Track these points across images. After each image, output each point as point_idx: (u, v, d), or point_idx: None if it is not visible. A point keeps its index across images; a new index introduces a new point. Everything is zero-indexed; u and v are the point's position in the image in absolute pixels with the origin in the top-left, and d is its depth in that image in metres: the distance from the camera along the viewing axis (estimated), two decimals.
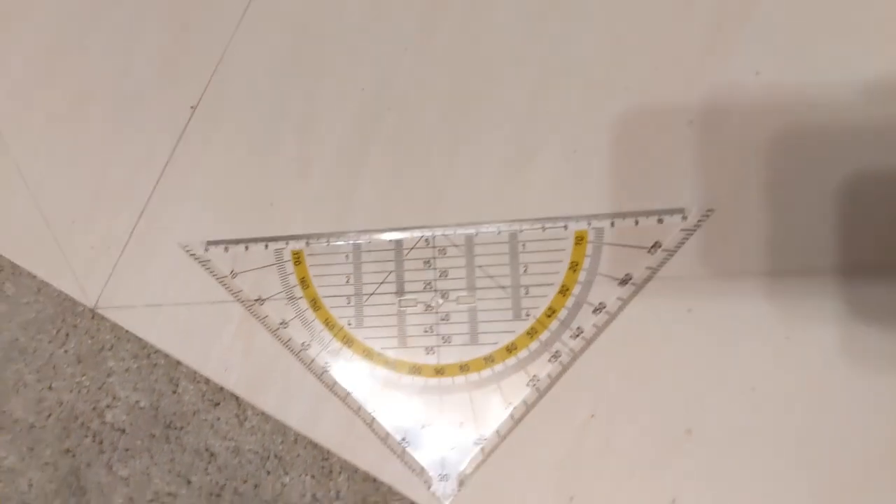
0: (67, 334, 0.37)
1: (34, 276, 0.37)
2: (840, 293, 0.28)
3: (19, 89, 0.38)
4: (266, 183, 0.33)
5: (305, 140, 0.33)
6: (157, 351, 0.35)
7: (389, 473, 0.31)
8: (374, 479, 0.32)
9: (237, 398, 0.34)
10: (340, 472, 0.33)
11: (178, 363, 0.35)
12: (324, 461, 0.34)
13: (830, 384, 0.28)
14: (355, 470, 0.33)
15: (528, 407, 0.30)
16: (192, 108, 0.34)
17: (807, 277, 0.28)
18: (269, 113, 0.34)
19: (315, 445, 0.33)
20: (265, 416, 0.34)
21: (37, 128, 0.37)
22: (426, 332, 0.31)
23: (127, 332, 0.35)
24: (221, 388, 0.34)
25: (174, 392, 0.35)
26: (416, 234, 0.32)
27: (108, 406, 0.36)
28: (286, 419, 0.33)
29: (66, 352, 0.37)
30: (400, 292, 0.32)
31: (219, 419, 0.35)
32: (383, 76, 0.33)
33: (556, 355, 0.30)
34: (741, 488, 0.28)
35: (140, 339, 0.35)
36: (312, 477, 0.34)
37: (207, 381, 0.35)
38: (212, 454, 0.35)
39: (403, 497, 0.31)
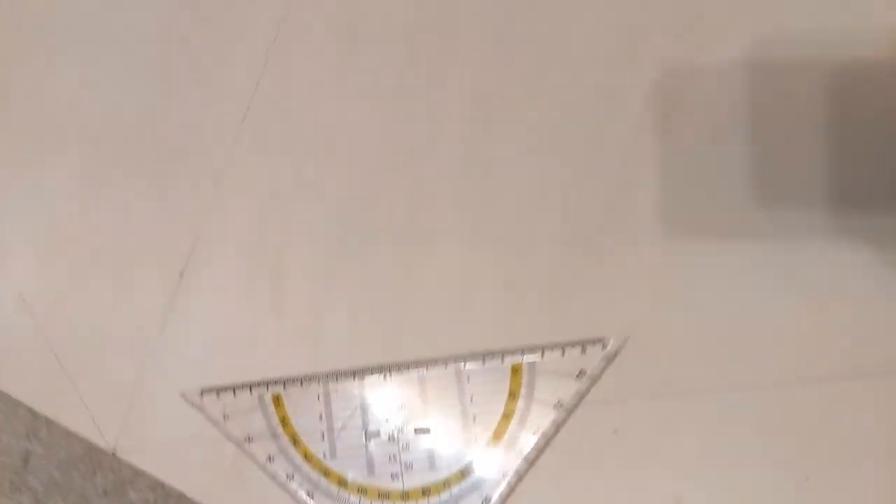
0: (94, 471, 0.43)
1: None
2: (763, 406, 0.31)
3: (41, 249, 0.43)
4: (247, 328, 0.38)
5: (278, 287, 0.38)
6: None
7: None
8: None
9: None
10: None
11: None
12: None
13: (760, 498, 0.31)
14: None
15: None
16: (180, 274, 0.40)
17: (726, 393, 0.31)
18: (247, 267, 0.39)
19: None
20: None
21: (57, 288, 0.43)
22: (390, 460, 0.35)
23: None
24: None
25: None
26: (376, 374, 0.36)
27: None
28: None
29: (94, 486, 0.43)
30: (365, 425, 0.36)
31: None
32: (344, 217, 0.38)
33: (504, 475, 0.34)
34: None
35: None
36: None
37: None
38: None
39: None
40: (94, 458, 0.43)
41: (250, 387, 0.38)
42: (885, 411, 0.30)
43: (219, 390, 0.38)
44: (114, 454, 0.41)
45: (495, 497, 0.34)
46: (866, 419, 0.30)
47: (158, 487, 0.41)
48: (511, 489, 0.34)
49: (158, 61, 0.41)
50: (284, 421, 0.37)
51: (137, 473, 0.42)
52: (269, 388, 0.37)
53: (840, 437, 0.30)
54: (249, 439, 0.37)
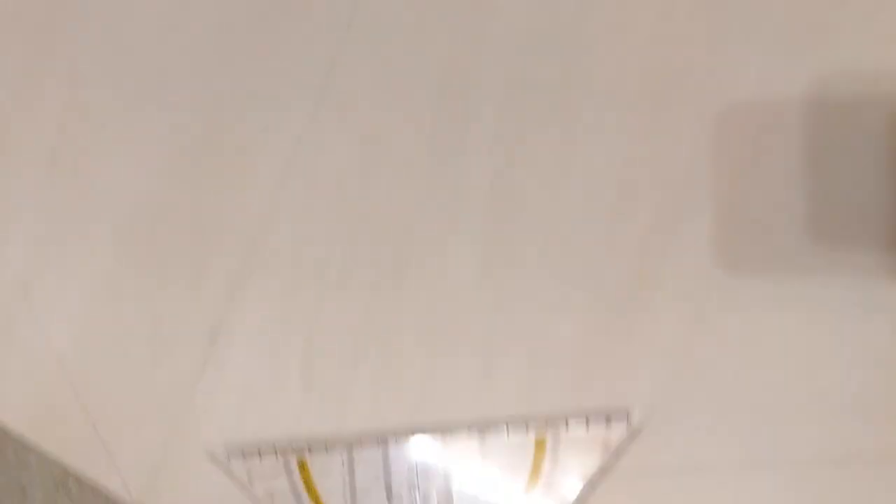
0: None
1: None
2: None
3: (81, 316, 0.44)
4: (276, 394, 0.39)
5: (307, 356, 0.39)
6: None
7: None
8: None
9: None
10: None
11: None
12: None
13: None
14: None
15: None
16: (210, 340, 0.40)
17: (755, 469, 0.31)
18: (279, 335, 0.40)
19: None
20: None
21: (95, 352, 0.44)
22: None
23: None
24: None
25: None
26: (401, 440, 0.36)
27: None
28: None
29: None
30: (389, 496, 0.36)
31: None
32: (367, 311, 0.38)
33: None
34: None
35: None
36: None
37: None
38: None
39: None
40: None
41: (276, 451, 0.38)
42: None
43: (245, 453, 0.39)
44: None
45: None
46: None
47: None
48: None
49: (194, 145, 0.41)
50: (309, 485, 0.37)
51: None
52: (294, 454, 0.38)
53: None
54: (274, 502, 0.38)
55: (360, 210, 0.38)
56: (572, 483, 0.33)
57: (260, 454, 0.38)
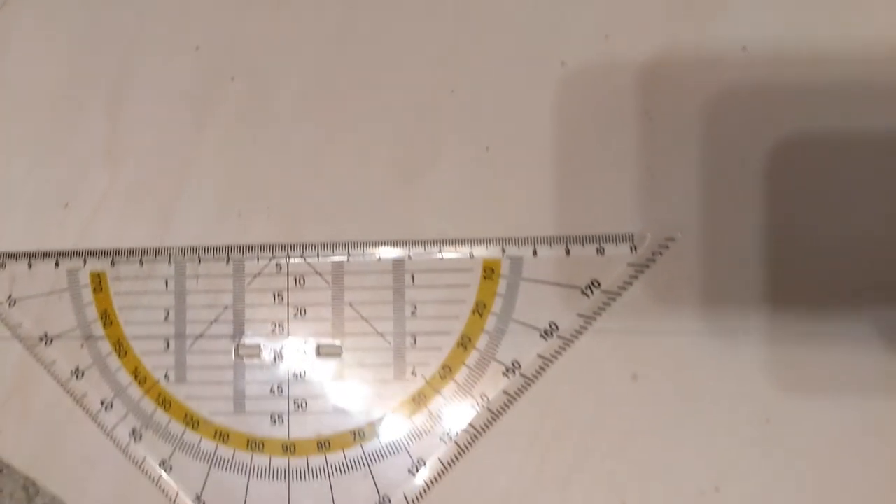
0: None
1: None
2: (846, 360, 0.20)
3: None
4: (61, 173, 0.24)
5: (118, 119, 0.24)
6: None
7: None
8: None
9: None
10: None
11: None
12: None
13: (824, 482, 0.20)
14: None
15: (410, 502, 0.22)
16: None
17: (799, 340, 0.20)
18: (71, 79, 0.24)
19: None
20: None
21: None
22: (273, 392, 0.22)
23: None
24: None
25: None
26: (265, 256, 0.23)
27: None
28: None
29: None
30: (239, 335, 0.23)
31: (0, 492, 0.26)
32: (227, 35, 0.24)
33: (450, 431, 0.22)
34: None
35: None
36: None
37: None
38: None
39: None
40: None
41: (56, 257, 0.23)
42: None
43: (4, 258, 0.24)
44: None
45: (432, 461, 0.22)
46: None
47: None
48: (461, 451, 0.21)
49: None
50: (107, 316, 0.23)
51: None
52: (88, 263, 0.23)
53: None
54: (47, 340, 0.23)
55: None
56: (532, 336, 0.21)
57: (30, 260, 0.24)
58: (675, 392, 0.21)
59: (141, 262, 0.23)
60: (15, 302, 0.24)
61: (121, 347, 0.23)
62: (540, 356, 0.21)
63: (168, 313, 0.23)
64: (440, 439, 0.22)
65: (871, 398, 0.20)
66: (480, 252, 0.22)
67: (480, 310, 0.22)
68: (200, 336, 0.23)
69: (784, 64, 0.20)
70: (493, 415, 0.21)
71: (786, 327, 0.20)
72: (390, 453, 0.22)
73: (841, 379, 0.20)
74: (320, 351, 0.22)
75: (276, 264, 0.22)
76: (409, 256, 0.22)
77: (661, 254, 0.21)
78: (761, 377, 0.20)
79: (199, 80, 0.24)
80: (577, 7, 0.22)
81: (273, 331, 0.22)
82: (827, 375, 0.20)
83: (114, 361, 0.23)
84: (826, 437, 0.20)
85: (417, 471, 0.22)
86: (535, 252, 0.21)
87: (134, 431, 0.23)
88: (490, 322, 0.21)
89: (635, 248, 0.21)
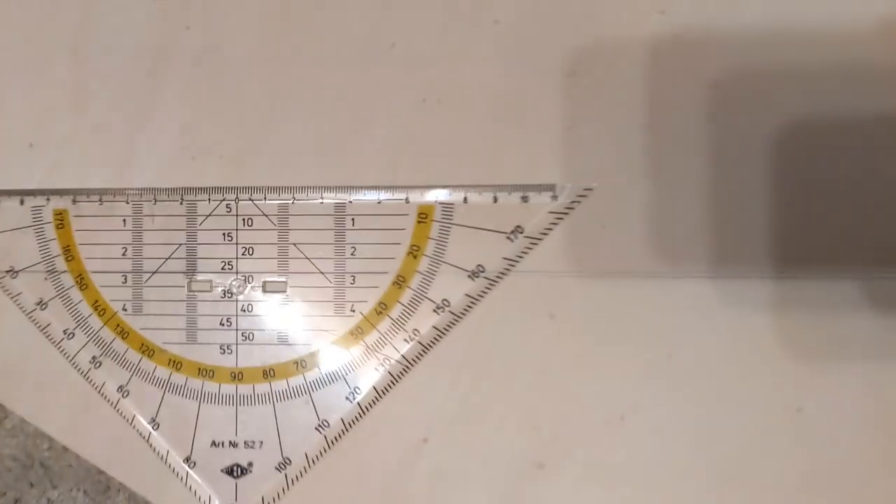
0: None
1: None
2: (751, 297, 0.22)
3: None
4: (26, 116, 0.25)
5: (82, 66, 0.25)
6: None
7: (171, 499, 0.25)
8: None
9: None
10: (119, 490, 0.26)
11: None
12: (100, 474, 0.27)
13: (718, 411, 0.22)
14: None
15: (347, 426, 0.24)
16: None
17: (694, 279, 0.22)
18: (35, 26, 0.25)
19: None
20: None
21: None
22: (222, 325, 0.24)
23: None
24: None
25: None
26: (216, 198, 0.24)
27: None
28: (44, 426, 0.25)
29: None
30: (191, 271, 0.24)
31: None
32: None
33: (384, 362, 0.23)
34: None
35: None
36: (85, 493, 0.27)
37: None
38: None
39: None
40: None
41: (21, 196, 0.25)
42: None
43: None
44: None
45: (367, 388, 0.23)
46: None
47: None
48: (395, 380, 0.23)
49: None
50: (69, 251, 0.25)
51: None
52: (51, 201, 0.25)
53: None
54: (13, 272, 0.25)
55: None
56: (461, 276, 0.23)
57: None
58: (586, 329, 0.23)
59: (101, 200, 0.25)
60: None
61: (82, 281, 0.25)
62: (467, 295, 0.23)
63: (126, 250, 0.24)
64: (375, 369, 0.24)
65: (759, 322, 0.22)
66: (416, 198, 0.23)
67: (415, 252, 0.23)
68: (156, 272, 0.24)
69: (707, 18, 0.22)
70: (424, 348, 0.23)
71: (681, 267, 0.22)
72: (330, 381, 0.24)
73: (738, 315, 0.22)
74: (266, 287, 0.24)
75: (227, 206, 0.24)
76: (350, 201, 0.24)
77: (578, 202, 0.22)
78: (662, 314, 0.22)
79: (154, 29, 0.25)
80: None
81: (223, 267, 0.24)
82: (717, 302, 0.22)
83: (76, 294, 0.25)
84: (716, 362, 0.22)
85: (354, 398, 0.24)
86: (465, 199, 0.23)
87: (94, 359, 0.25)
88: (423, 263, 0.23)
89: (556, 197, 0.23)
